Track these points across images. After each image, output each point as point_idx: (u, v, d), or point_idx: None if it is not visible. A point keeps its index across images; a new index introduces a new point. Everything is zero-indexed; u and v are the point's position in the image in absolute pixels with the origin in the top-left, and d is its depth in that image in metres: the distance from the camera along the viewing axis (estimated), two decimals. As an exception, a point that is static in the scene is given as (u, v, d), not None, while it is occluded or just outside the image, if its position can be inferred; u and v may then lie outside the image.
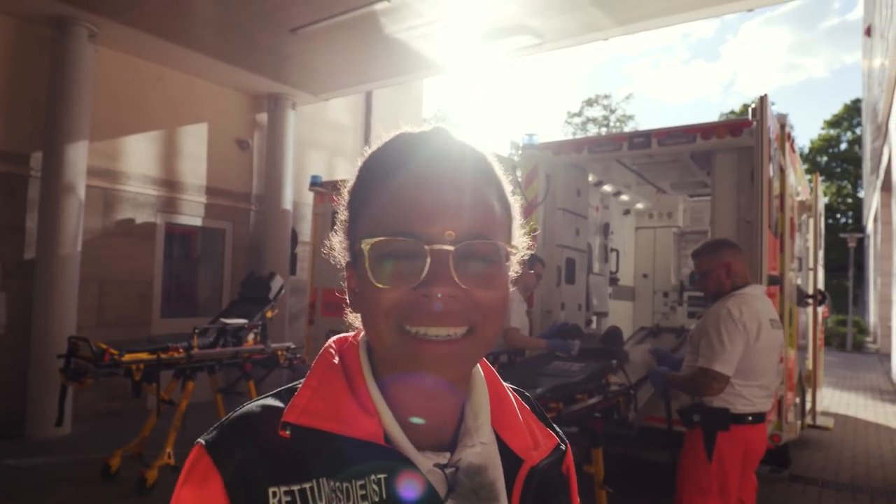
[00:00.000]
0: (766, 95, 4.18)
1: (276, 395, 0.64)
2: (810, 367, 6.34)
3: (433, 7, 5.85)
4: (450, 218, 0.58)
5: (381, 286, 0.57)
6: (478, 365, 0.69)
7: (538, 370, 3.75)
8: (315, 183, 6.98)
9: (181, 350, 4.65)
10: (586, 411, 3.55)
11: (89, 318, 6.47)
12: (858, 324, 20.35)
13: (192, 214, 7.71)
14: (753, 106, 4.29)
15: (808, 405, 6.28)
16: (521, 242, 0.68)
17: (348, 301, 0.67)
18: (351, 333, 0.70)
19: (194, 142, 7.75)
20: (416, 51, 6.87)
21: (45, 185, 5.97)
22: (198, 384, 4.91)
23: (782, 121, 4.77)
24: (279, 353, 5.35)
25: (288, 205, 8.36)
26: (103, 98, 6.57)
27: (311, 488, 0.57)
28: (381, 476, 0.59)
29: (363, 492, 0.58)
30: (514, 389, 0.77)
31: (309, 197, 7.73)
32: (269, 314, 5.72)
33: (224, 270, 8.11)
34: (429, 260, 0.56)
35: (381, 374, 0.64)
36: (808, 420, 6.27)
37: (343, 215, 0.67)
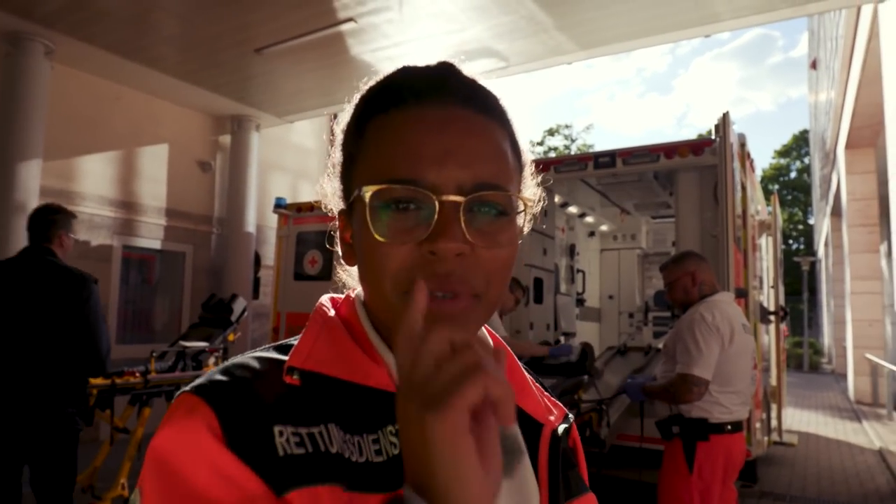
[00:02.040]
0: (727, 113, 4.29)
1: (263, 350, 0.57)
2: (774, 383, 6.44)
3: (400, 29, 5.90)
4: (460, 164, 0.51)
5: (382, 240, 0.51)
6: (483, 330, 0.65)
7: (510, 386, 3.69)
8: (279, 205, 6.86)
9: (137, 374, 4.43)
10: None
11: (38, 344, 6.16)
12: (814, 345, 20.93)
13: (150, 237, 7.49)
14: (717, 123, 4.40)
15: (774, 422, 6.36)
16: (532, 194, 0.62)
17: (341, 254, 0.61)
18: (341, 296, 0.64)
19: (154, 163, 7.56)
20: (383, 73, 6.87)
21: (-6, 205, 5.72)
22: (155, 411, 4.68)
23: (742, 140, 4.90)
24: (241, 377, 5.17)
25: (251, 227, 8.20)
26: (59, 116, 6.38)
27: (321, 433, 0.50)
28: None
29: (377, 446, 0.52)
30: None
31: (273, 220, 7.60)
32: (231, 337, 5.54)
33: (184, 295, 7.86)
34: (437, 212, 0.50)
35: (382, 331, 0.58)
36: (774, 436, 6.34)
37: (336, 156, 0.61)
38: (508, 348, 0.67)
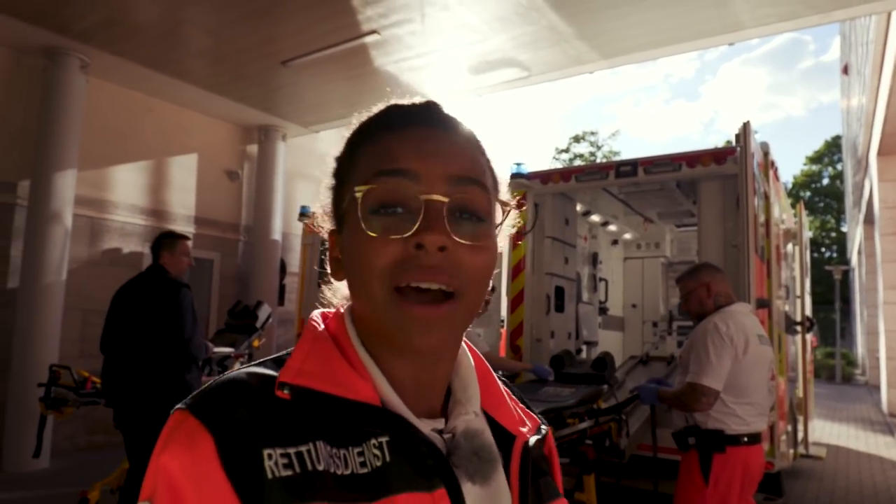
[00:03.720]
0: (748, 122, 4.27)
1: (257, 365, 0.60)
2: (801, 395, 6.33)
3: (422, 40, 5.98)
4: (442, 159, 0.58)
5: (373, 235, 0.56)
6: (463, 343, 0.68)
7: (528, 395, 3.71)
8: (304, 213, 6.98)
9: (165, 379, 4.56)
10: (577, 436, 3.50)
11: (72, 348, 6.36)
12: (847, 356, 20.42)
13: (179, 245, 7.66)
14: (738, 132, 4.37)
15: (801, 434, 6.24)
16: (508, 218, 0.65)
17: (330, 271, 0.66)
18: (332, 310, 0.67)
19: (183, 172, 7.76)
20: (406, 83, 6.97)
21: (31, 213, 5.93)
22: (182, 414, 4.81)
23: (765, 149, 4.86)
24: (266, 382, 5.27)
25: (277, 235, 8.35)
26: (93, 128, 6.59)
27: (309, 451, 0.53)
28: (383, 439, 0.56)
29: (361, 458, 0.55)
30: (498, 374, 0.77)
31: (298, 227, 7.73)
32: (255, 343, 5.66)
33: (211, 302, 8.03)
34: (423, 208, 0.56)
35: (368, 344, 0.62)
36: (801, 449, 6.22)
37: (328, 182, 0.66)
38: (486, 362, 0.72)
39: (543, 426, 0.73)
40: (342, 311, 0.66)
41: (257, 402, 0.54)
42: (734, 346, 2.66)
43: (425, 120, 0.62)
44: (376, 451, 0.56)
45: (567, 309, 6.21)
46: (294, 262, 8.74)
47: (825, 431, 9.11)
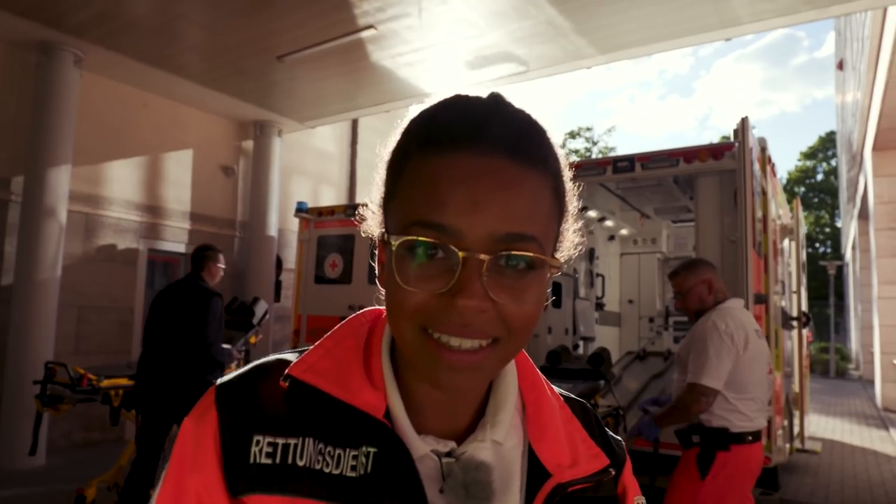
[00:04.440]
0: (747, 117, 4.27)
1: (293, 351, 0.63)
2: (797, 390, 6.35)
3: (419, 35, 5.95)
4: (489, 215, 0.50)
5: (405, 287, 0.51)
6: (512, 362, 0.64)
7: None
8: (301, 209, 6.97)
9: (162, 375, 4.55)
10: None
11: (67, 345, 6.33)
12: (841, 351, 20.52)
13: (175, 241, 7.64)
14: (736, 128, 4.37)
15: (797, 429, 6.27)
16: (570, 241, 0.61)
17: (377, 274, 0.61)
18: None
19: (179, 168, 7.72)
20: (402, 78, 6.95)
21: (25, 209, 5.89)
22: (178, 411, 4.79)
23: (763, 144, 4.86)
24: (263, 379, 5.25)
25: (273, 231, 8.32)
26: (87, 123, 6.55)
27: (296, 445, 0.55)
28: (372, 450, 0.55)
29: (353, 462, 0.55)
30: (571, 399, 0.71)
31: (294, 223, 7.71)
32: (252, 340, 5.63)
33: (207, 298, 7.99)
34: (460, 268, 0.50)
35: (399, 357, 0.60)
36: (797, 444, 6.25)
37: (378, 181, 0.60)
38: (543, 383, 0.67)
39: (612, 469, 0.66)
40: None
41: (266, 389, 0.58)
42: (735, 343, 2.64)
43: (484, 139, 0.52)
44: (364, 460, 0.56)
45: (564, 305, 6.23)
46: (290, 259, 8.71)
47: (821, 426, 9.16)
